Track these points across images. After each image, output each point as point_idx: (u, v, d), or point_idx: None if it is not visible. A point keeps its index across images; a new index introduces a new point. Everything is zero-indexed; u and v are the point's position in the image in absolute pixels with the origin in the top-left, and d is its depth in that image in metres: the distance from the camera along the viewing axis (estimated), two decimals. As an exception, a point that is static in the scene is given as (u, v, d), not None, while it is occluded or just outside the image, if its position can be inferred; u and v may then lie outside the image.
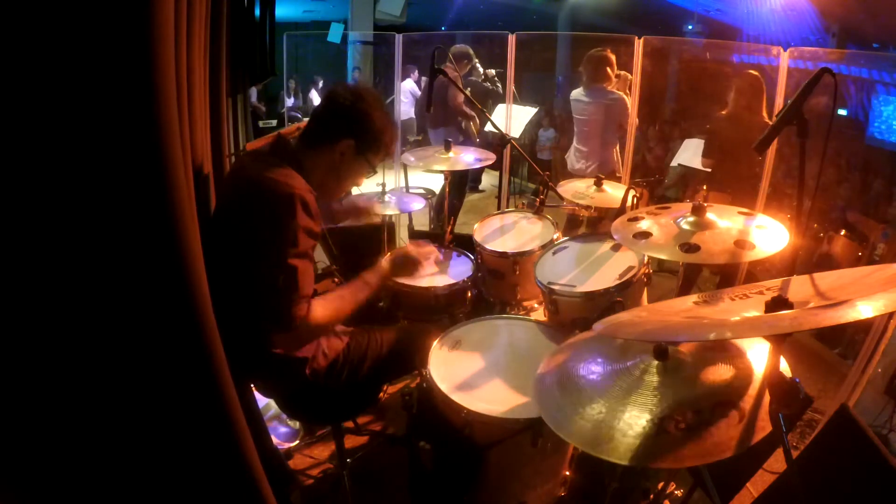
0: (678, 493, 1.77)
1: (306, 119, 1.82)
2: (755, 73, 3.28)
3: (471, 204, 6.20)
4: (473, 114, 4.85)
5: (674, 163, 4.84)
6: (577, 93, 3.80)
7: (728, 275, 3.55)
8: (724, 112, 3.41)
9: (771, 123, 3.32)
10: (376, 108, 1.60)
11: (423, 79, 7.38)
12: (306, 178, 1.53)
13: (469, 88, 5.17)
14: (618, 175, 3.85)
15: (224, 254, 1.49)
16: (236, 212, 1.48)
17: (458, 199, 4.80)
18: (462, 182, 4.88)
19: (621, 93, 3.67)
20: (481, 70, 5.15)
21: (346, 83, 1.60)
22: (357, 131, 1.57)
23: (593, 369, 1.18)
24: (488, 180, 6.99)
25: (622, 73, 3.80)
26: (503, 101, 4.83)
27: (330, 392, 1.65)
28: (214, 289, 1.46)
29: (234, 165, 1.86)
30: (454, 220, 2.54)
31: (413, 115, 7.32)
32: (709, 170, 3.53)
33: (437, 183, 5.77)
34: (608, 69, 3.59)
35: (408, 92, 7.09)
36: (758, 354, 1.10)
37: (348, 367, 1.67)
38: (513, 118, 4.69)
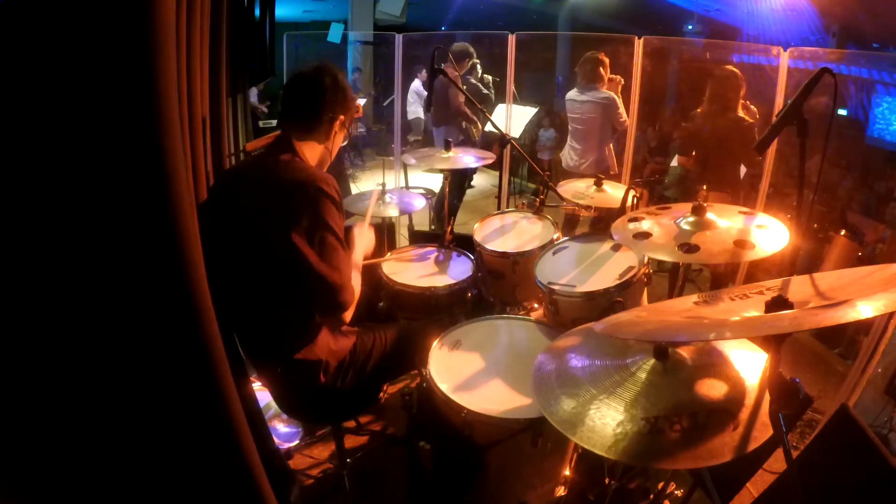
0: (678, 493, 1.77)
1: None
2: (732, 68, 3.27)
3: (471, 204, 6.19)
4: (475, 118, 4.85)
5: (674, 163, 4.84)
6: (572, 93, 3.91)
7: (719, 274, 3.56)
8: (699, 110, 3.41)
9: (743, 118, 3.32)
10: (344, 78, 1.68)
11: None
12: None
13: (464, 87, 5.16)
14: (612, 172, 3.91)
15: (248, 259, 1.51)
16: (270, 213, 1.47)
17: (458, 199, 4.81)
18: (461, 182, 4.89)
19: (612, 93, 3.76)
20: (480, 72, 5.14)
21: (304, 67, 1.66)
22: (343, 107, 1.65)
23: (592, 362, 1.18)
24: (488, 180, 6.99)
25: (615, 76, 3.89)
26: (492, 107, 4.83)
27: (333, 392, 1.65)
28: (231, 297, 1.48)
29: (241, 168, 1.86)
30: (454, 220, 2.54)
31: (421, 115, 7.33)
32: (688, 168, 3.55)
33: (436, 183, 5.76)
34: (601, 70, 3.72)
35: (414, 92, 7.10)
36: (755, 366, 1.10)
37: (354, 367, 1.67)
38: (513, 118, 4.69)
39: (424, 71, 7.29)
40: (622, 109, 3.80)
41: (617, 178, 3.88)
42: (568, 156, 4.05)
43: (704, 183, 3.44)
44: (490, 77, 5.16)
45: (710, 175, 3.37)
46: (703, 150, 3.40)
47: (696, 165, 3.49)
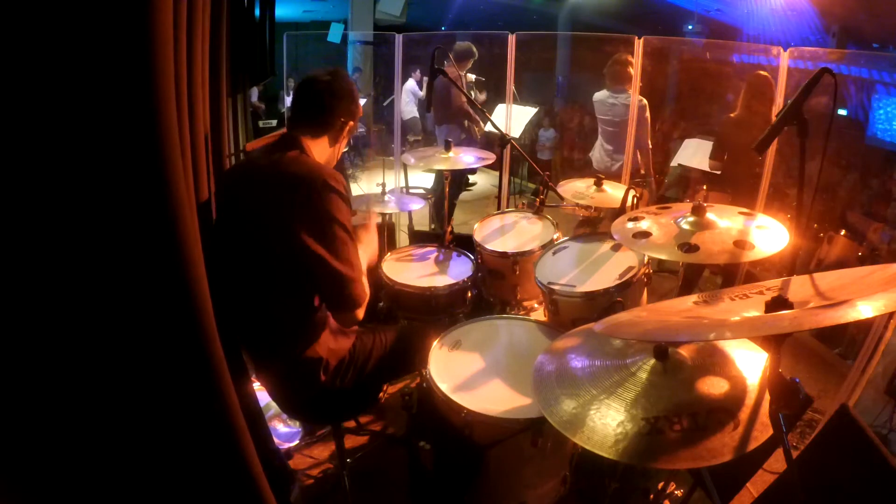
0: (678, 493, 1.77)
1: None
2: (765, 73, 3.28)
3: (471, 204, 6.19)
4: (478, 118, 4.86)
5: (673, 163, 4.84)
6: (602, 94, 3.95)
7: (730, 275, 3.56)
8: (732, 115, 3.41)
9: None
10: (355, 86, 1.72)
11: (426, 78, 7.39)
12: None
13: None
14: (642, 172, 3.97)
15: (253, 255, 1.52)
16: (277, 208, 1.47)
17: (455, 199, 4.81)
18: (459, 180, 4.89)
19: (643, 98, 3.83)
20: (464, 73, 5.13)
21: (318, 70, 1.67)
22: (353, 111, 1.69)
23: (592, 362, 1.18)
24: (488, 180, 7.00)
25: None
26: (492, 106, 4.84)
27: (333, 392, 1.65)
28: (235, 295, 1.48)
29: (245, 166, 1.86)
30: (453, 220, 2.55)
31: (416, 115, 7.31)
32: (717, 172, 3.56)
33: (429, 180, 5.75)
34: (629, 71, 3.80)
35: (409, 92, 7.09)
36: (755, 366, 1.10)
37: (353, 366, 1.67)
38: (513, 118, 4.69)
39: (418, 71, 7.29)
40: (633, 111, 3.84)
41: (642, 175, 3.92)
42: (599, 157, 4.10)
43: (715, 183, 3.45)
44: (474, 76, 5.14)
45: (738, 180, 3.38)
46: (734, 156, 3.41)
47: (724, 169, 3.49)
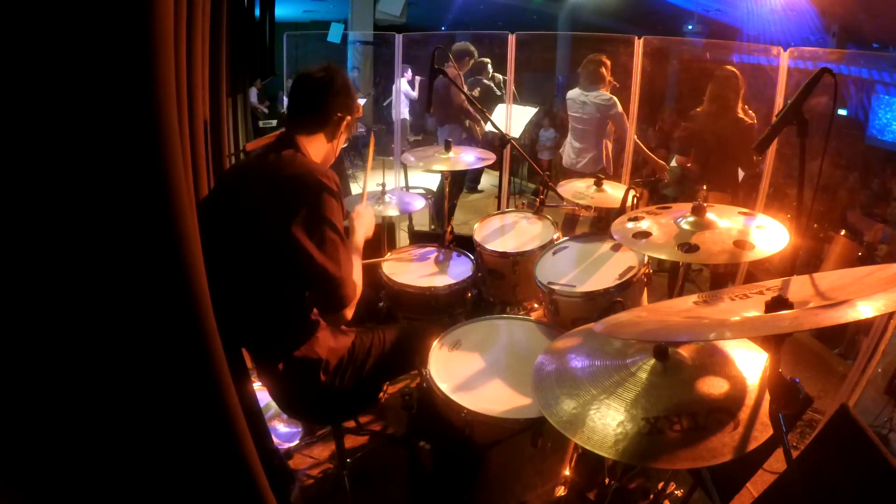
0: (678, 493, 1.77)
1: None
2: (732, 68, 3.29)
3: (471, 204, 6.19)
4: (479, 116, 4.87)
5: (673, 163, 4.85)
6: (574, 92, 3.99)
7: (719, 273, 3.57)
8: (699, 109, 3.43)
9: (743, 119, 3.37)
10: (350, 80, 1.70)
11: (418, 78, 7.40)
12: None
13: (478, 89, 5.19)
14: (609, 173, 4.01)
15: (250, 254, 1.52)
16: (270, 207, 1.48)
17: (455, 199, 4.82)
18: (460, 180, 4.89)
19: (614, 96, 3.86)
20: (491, 71, 5.15)
21: (312, 66, 1.66)
22: (350, 106, 1.67)
23: (592, 362, 1.18)
24: (488, 180, 6.99)
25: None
26: (493, 106, 4.86)
27: (333, 392, 1.65)
28: (234, 294, 1.48)
29: (242, 166, 1.86)
30: (453, 220, 2.55)
31: (406, 116, 7.27)
32: (686, 167, 3.59)
33: (433, 181, 5.77)
34: (603, 70, 3.83)
35: (401, 93, 7.07)
36: (755, 366, 1.10)
37: (353, 366, 1.67)
38: (513, 118, 4.69)
39: (409, 70, 7.26)
40: (628, 112, 3.86)
41: (615, 178, 3.93)
42: (567, 153, 4.17)
43: (703, 182, 3.46)
44: (501, 76, 5.17)
45: (708, 175, 3.39)
46: (702, 150, 3.43)
47: (694, 165, 3.53)
